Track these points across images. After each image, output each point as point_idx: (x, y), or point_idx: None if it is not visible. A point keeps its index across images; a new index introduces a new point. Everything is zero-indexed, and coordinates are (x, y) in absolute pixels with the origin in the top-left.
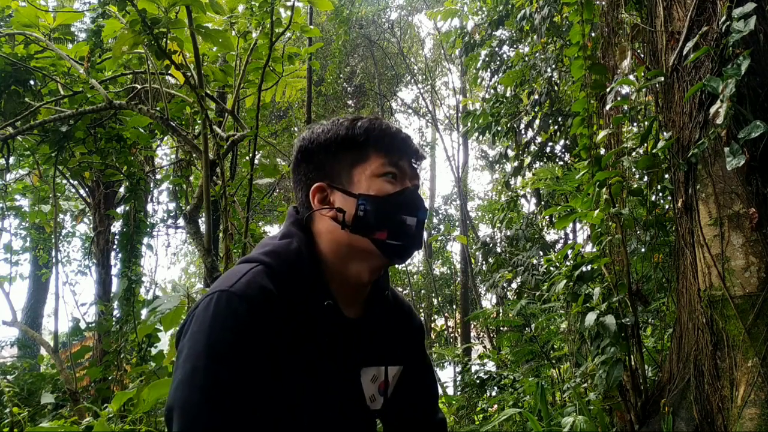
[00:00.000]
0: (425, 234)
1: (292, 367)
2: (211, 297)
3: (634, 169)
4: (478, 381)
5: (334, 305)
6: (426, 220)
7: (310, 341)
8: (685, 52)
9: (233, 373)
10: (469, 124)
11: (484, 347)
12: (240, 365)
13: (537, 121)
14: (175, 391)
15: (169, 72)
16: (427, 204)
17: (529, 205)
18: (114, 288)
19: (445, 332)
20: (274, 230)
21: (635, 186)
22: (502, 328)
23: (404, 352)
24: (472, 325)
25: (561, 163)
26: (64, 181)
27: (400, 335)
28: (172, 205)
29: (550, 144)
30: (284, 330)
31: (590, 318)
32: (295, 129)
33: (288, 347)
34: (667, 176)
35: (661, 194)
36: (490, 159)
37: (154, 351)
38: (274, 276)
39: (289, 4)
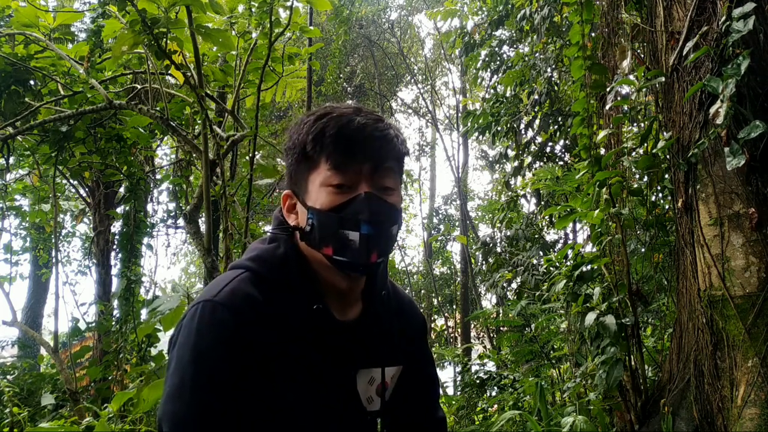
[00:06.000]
0: (424, 234)
1: (284, 371)
2: (196, 307)
3: (634, 169)
4: (478, 381)
5: (323, 309)
6: (383, 229)
7: (300, 345)
8: (685, 52)
9: (220, 384)
10: (469, 124)
11: (484, 347)
12: (226, 376)
13: (537, 121)
14: (165, 405)
15: (169, 72)
16: (426, 204)
17: (529, 205)
18: (114, 288)
19: (445, 332)
20: None
21: (635, 186)
22: (502, 328)
23: (405, 351)
24: (472, 325)
25: (561, 163)
26: (64, 181)
27: (400, 334)
28: (172, 205)
29: (550, 144)
30: (272, 335)
31: (590, 318)
32: None
33: (278, 352)
34: (667, 176)
35: (661, 194)
36: (490, 159)
37: (154, 351)
38: (261, 282)
39: (288, 4)
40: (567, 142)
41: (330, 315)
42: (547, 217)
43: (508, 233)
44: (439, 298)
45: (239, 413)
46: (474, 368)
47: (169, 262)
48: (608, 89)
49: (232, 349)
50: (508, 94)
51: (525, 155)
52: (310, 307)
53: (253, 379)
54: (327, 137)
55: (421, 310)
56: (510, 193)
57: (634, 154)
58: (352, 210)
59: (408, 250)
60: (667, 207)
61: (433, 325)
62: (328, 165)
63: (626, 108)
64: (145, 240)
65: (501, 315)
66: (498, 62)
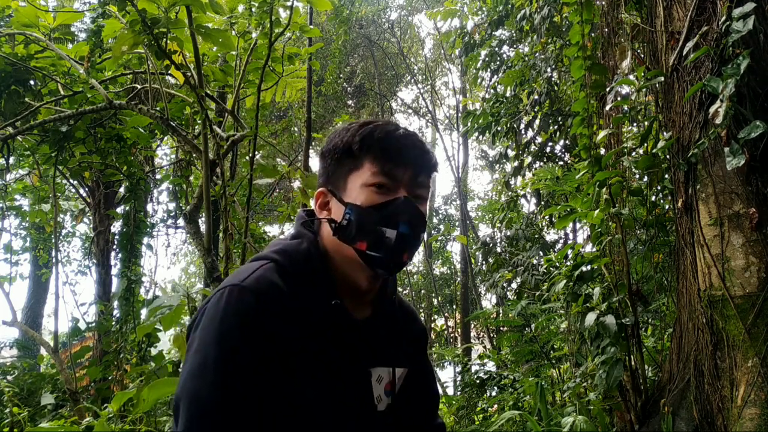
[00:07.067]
0: (425, 235)
1: (305, 367)
2: (222, 291)
3: (634, 169)
4: (478, 381)
5: (341, 305)
6: (417, 232)
7: (320, 341)
8: (685, 52)
9: (242, 367)
10: (469, 124)
11: (484, 347)
12: (249, 359)
13: (537, 121)
14: (185, 383)
15: (169, 72)
16: (426, 205)
17: (529, 205)
18: (114, 288)
19: (445, 332)
20: (274, 230)
21: (635, 186)
22: (502, 328)
23: (408, 356)
24: (472, 325)
25: (561, 163)
26: (64, 181)
27: (404, 338)
28: (172, 205)
29: (550, 144)
30: (294, 330)
31: (590, 318)
32: (295, 129)
33: (299, 347)
34: (667, 176)
35: (661, 194)
36: (490, 159)
37: (154, 351)
38: (284, 273)
39: (288, 4)
40: (567, 142)
41: (347, 311)
42: (547, 217)
43: (508, 233)
44: (439, 298)
45: (260, 402)
46: (474, 368)
47: (169, 262)
48: (608, 89)
49: (256, 333)
50: (508, 94)
51: (525, 155)
52: (329, 303)
53: (275, 373)
54: (375, 140)
55: (421, 310)
56: (510, 193)
57: (634, 154)
58: (393, 210)
59: None
60: (667, 207)
61: (433, 325)
62: (374, 167)
63: (626, 108)
64: (145, 240)
65: (501, 315)
66: (498, 62)
